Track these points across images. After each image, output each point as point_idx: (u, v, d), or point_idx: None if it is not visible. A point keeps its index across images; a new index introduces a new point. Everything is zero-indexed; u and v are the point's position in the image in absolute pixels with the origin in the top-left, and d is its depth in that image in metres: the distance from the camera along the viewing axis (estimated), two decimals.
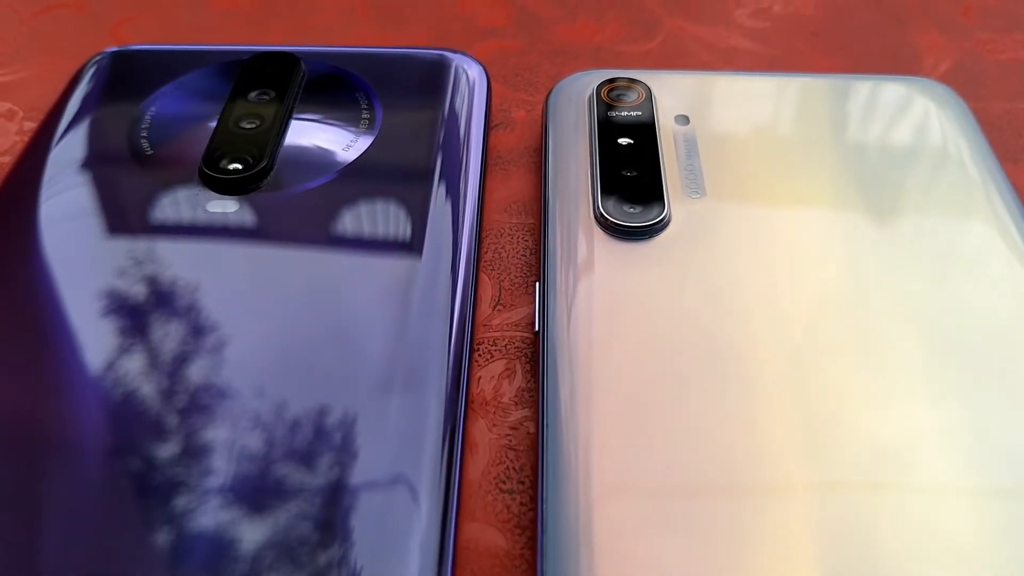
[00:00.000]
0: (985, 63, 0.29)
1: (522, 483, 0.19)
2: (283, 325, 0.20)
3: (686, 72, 0.27)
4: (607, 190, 0.22)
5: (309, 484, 0.17)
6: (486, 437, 0.19)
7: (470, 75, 0.27)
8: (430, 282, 0.21)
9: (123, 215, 0.22)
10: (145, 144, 0.24)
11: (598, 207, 0.22)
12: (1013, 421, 0.18)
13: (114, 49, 0.28)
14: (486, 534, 0.18)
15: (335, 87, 0.26)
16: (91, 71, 0.27)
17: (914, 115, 0.25)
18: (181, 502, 0.17)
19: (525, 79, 0.29)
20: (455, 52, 0.28)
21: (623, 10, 0.32)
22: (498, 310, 0.22)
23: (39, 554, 0.16)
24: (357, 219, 0.22)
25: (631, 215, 0.22)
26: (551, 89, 0.26)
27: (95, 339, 0.20)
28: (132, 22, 0.31)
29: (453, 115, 0.26)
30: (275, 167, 0.24)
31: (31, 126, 0.27)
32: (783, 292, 0.21)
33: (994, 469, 0.17)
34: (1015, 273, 0.21)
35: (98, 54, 0.28)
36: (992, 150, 0.24)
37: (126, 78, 0.27)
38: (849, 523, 0.17)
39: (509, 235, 0.24)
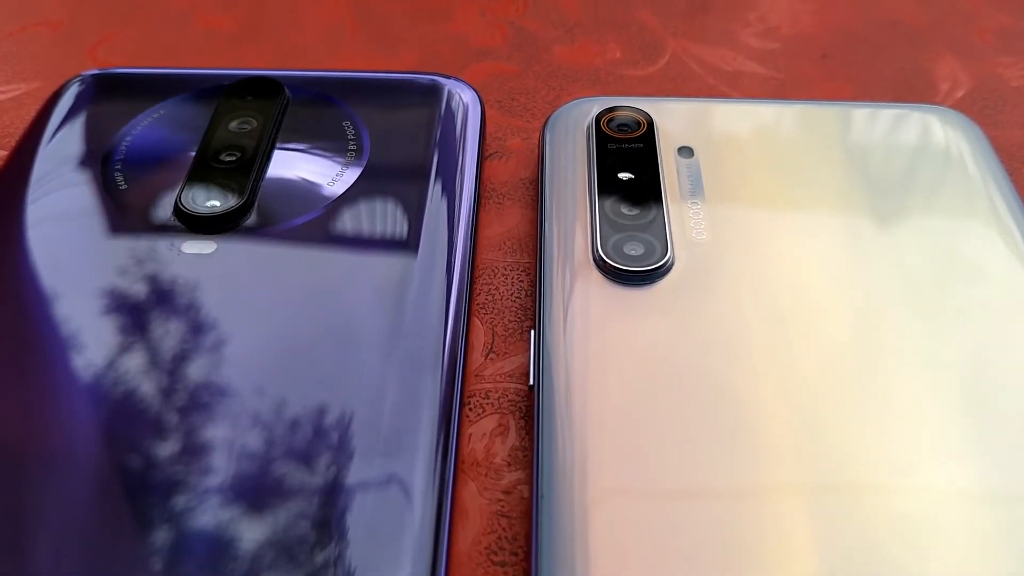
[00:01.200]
0: (1004, 89, 0.28)
1: (515, 555, 0.17)
2: (260, 378, 0.19)
3: (690, 100, 0.25)
4: (606, 230, 0.21)
5: (284, 565, 0.16)
6: (477, 502, 0.18)
7: (464, 102, 0.26)
8: (419, 331, 0.20)
9: (96, 257, 0.21)
10: (119, 178, 0.23)
11: (597, 249, 0.21)
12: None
13: (91, 72, 0.26)
14: None
15: (320, 115, 0.25)
16: (66, 95, 0.26)
17: (931, 147, 0.24)
18: None
19: (521, 104, 0.28)
20: (447, 77, 0.26)
21: (624, 30, 0.30)
22: (491, 358, 0.21)
23: (32, 556, 0.15)
24: (341, 261, 0.21)
25: (632, 258, 0.21)
26: (547, 117, 0.25)
27: (70, 376, 0.18)
28: (111, 42, 0.30)
29: (445, 146, 0.24)
30: (256, 203, 0.22)
31: (2, 154, 0.26)
32: (793, 343, 0.19)
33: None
34: None
35: (75, 77, 0.26)
36: (1011, 182, 0.23)
37: (102, 104, 0.25)
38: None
39: (503, 275, 0.23)
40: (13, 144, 0.26)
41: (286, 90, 0.25)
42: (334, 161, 0.24)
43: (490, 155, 0.26)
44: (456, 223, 0.22)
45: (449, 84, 0.26)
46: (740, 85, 0.28)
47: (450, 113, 0.25)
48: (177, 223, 0.22)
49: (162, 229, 0.22)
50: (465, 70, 0.29)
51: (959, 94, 0.28)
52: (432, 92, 0.26)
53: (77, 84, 0.26)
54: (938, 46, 0.30)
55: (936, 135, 0.24)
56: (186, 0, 0.32)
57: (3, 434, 0.18)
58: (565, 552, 0.16)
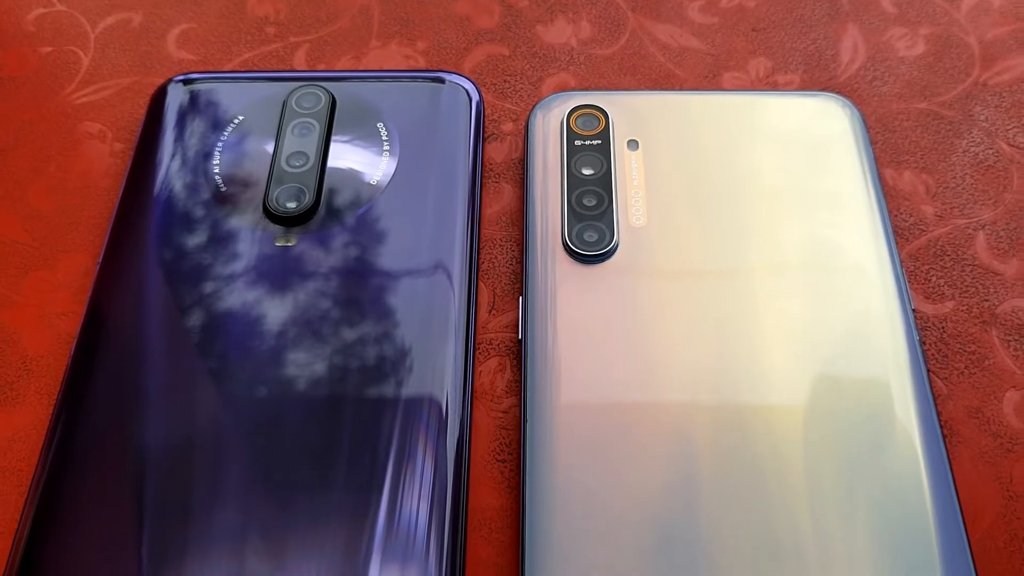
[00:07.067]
0: (892, 60, 0.35)
1: (511, 455, 0.28)
2: (329, 340, 0.28)
3: (636, 93, 0.33)
4: (571, 221, 0.30)
5: (347, 493, 0.26)
6: (485, 420, 0.28)
7: (467, 95, 0.34)
8: (446, 297, 0.29)
9: (214, 249, 0.30)
10: (219, 181, 0.32)
11: (564, 237, 0.30)
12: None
13: (180, 77, 0.34)
14: (487, 497, 0.27)
15: (358, 115, 0.33)
16: (164, 102, 0.34)
17: (812, 134, 0.32)
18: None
19: (512, 86, 0.36)
20: (451, 73, 0.34)
21: (594, 6, 0.38)
22: (493, 314, 0.30)
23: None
24: (394, 243, 0.30)
25: (589, 244, 0.30)
26: (530, 112, 0.33)
27: (209, 335, 0.28)
28: (183, 33, 0.37)
29: (455, 138, 0.33)
30: (322, 200, 0.31)
31: (120, 147, 0.34)
32: (706, 303, 0.29)
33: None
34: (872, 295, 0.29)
35: (168, 81, 0.34)
36: (875, 163, 0.31)
37: (196, 110, 0.34)
38: None
39: (500, 246, 0.32)
40: (126, 138, 0.35)
41: (333, 96, 0.33)
42: (373, 155, 0.32)
43: (488, 137, 0.34)
44: (470, 206, 0.31)
45: (454, 79, 0.34)
46: (683, 62, 0.36)
47: (457, 107, 0.33)
48: (267, 219, 0.31)
49: (257, 225, 0.31)
50: (468, 54, 0.36)
51: (855, 66, 0.35)
52: (442, 89, 0.34)
53: (172, 89, 0.34)
54: (848, 17, 0.37)
55: (820, 122, 0.32)
56: None
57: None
58: (544, 452, 0.26)
